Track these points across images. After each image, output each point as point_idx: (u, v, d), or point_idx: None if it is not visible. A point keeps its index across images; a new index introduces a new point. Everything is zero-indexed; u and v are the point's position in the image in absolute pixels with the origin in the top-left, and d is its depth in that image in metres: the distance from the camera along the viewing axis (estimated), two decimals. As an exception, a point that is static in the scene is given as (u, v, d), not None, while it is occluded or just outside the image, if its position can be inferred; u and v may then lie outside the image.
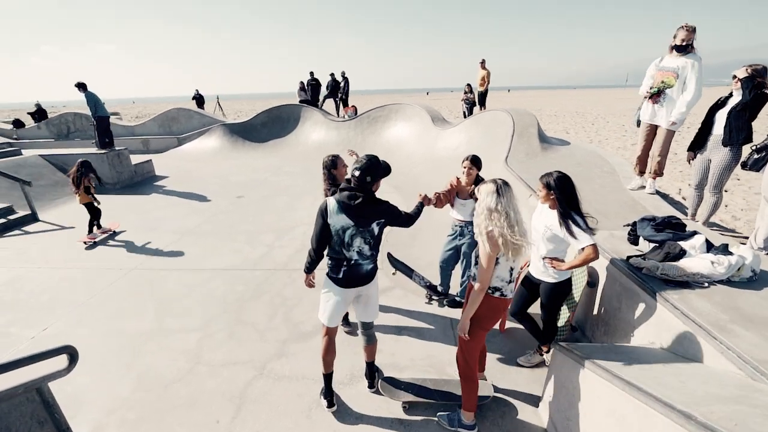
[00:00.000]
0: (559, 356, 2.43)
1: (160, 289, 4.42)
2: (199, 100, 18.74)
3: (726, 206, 6.05)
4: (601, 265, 3.19)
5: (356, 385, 2.95)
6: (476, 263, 2.34)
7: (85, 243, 5.69)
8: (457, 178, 3.61)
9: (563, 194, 2.47)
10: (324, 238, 2.42)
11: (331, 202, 2.35)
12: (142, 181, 9.68)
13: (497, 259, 2.21)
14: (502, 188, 2.21)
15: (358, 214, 2.31)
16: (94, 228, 6.01)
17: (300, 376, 3.05)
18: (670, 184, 7.51)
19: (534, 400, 2.78)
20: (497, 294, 2.31)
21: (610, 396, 1.84)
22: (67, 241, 5.91)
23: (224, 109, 26.38)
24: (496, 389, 2.84)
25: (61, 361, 1.60)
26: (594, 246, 2.40)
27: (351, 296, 2.54)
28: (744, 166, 3.84)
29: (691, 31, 4.11)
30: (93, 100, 8.58)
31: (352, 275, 2.45)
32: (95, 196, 5.98)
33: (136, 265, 5.02)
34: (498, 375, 3.02)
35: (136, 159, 10.11)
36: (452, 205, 3.69)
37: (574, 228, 2.43)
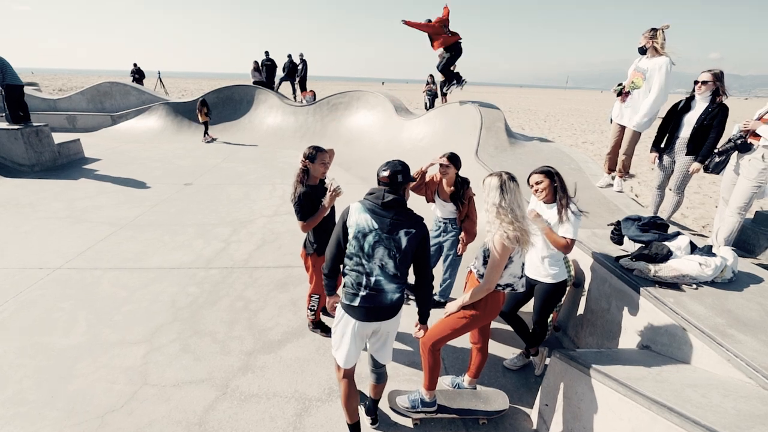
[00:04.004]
0: (558, 365, 2.30)
1: (93, 294, 3.74)
2: (139, 74, 16.68)
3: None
4: (586, 265, 3.14)
5: (336, 400, 2.64)
6: (484, 262, 2.16)
7: (205, 141, 11.36)
8: (440, 180, 3.34)
9: (562, 182, 2.51)
10: (340, 250, 1.99)
11: (355, 204, 1.98)
12: (68, 164, 8.42)
13: (510, 257, 2.12)
14: (506, 183, 2.14)
15: (386, 215, 1.90)
16: (206, 135, 11.47)
17: (271, 393, 2.67)
18: (624, 182, 7.92)
19: (525, 404, 2.67)
20: (508, 289, 2.26)
21: (632, 413, 1.71)
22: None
23: (167, 86, 24.08)
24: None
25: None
26: (573, 242, 2.44)
27: (368, 331, 2.05)
28: (706, 169, 4.00)
29: (649, 35, 4.25)
30: (0, 65, 7.22)
31: (373, 304, 1.96)
32: (209, 116, 11.42)
33: (60, 264, 4.25)
34: (485, 379, 2.87)
35: (60, 138, 8.77)
36: (433, 201, 3.47)
37: (574, 215, 2.43)
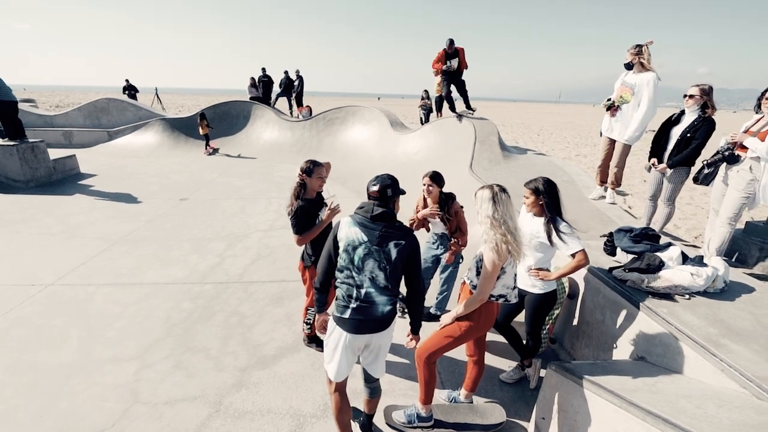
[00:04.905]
0: (554, 377, 2.29)
1: (86, 310, 3.70)
2: (132, 90, 16.79)
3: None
4: (580, 276, 3.16)
5: (332, 417, 2.60)
6: (478, 273, 2.17)
7: (207, 152, 11.65)
8: (424, 198, 3.35)
9: (552, 199, 2.48)
10: (331, 264, 2.03)
11: (345, 218, 2.03)
12: (63, 180, 8.41)
13: (503, 268, 2.14)
14: (498, 195, 2.16)
15: (375, 228, 1.93)
16: (207, 147, 11.69)
17: (265, 410, 2.63)
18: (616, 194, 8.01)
19: (522, 418, 2.64)
20: (501, 300, 2.26)
21: (627, 425, 1.70)
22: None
23: (164, 102, 24.27)
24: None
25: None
26: (584, 251, 2.41)
27: (360, 344, 2.04)
28: (695, 180, 4.07)
29: (635, 51, 4.39)
30: (-4, 83, 7.28)
31: (364, 316, 1.96)
32: (210, 126, 11.61)
33: (53, 281, 4.21)
34: (481, 393, 2.84)
35: (56, 153, 8.79)
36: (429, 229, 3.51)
37: (564, 233, 2.42)
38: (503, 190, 2.19)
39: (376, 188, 2.00)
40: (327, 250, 2.04)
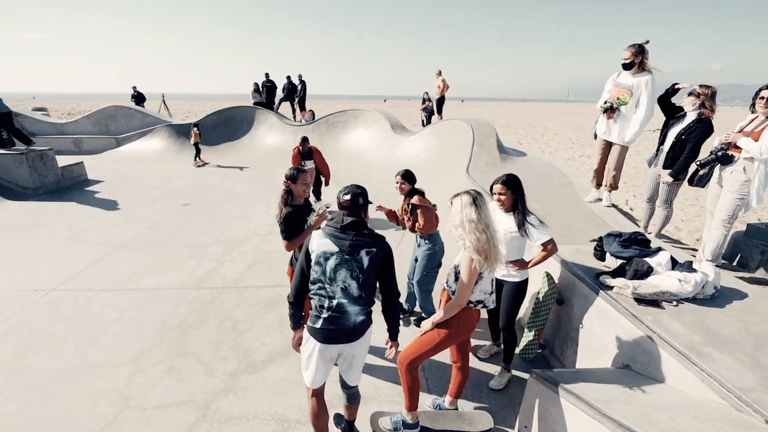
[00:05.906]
0: (535, 385, 2.28)
1: (84, 315, 3.79)
2: (139, 98, 17.06)
3: (668, 217, 6.44)
4: (569, 282, 3.13)
5: (316, 423, 2.62)
6: (456, 278, 2.18)
7: (197, 165, 10.92)
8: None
9: (522, 193, 2.58)
10: (304, 278, 2.03)
11: (316, 232, 2.05)
12: (71, 186, 8.59)
13: (480, 273, 2.15)
14: (478, 199, 2.18)
15: (345, 237, 1.94)
16: (197, 158, 11.06)
17: (251, 415, 2.66)
18: (618, 195, 7.91)
19: (508, 425, 2.62)
20: (480, 306, 2.27)
21: (600, 436, 1.69)
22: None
23: (170, 108, 24.66)
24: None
25: None
26: (553, 240, 2.54)
27: (333, 354, 2.05)
28: (690, 182, 4.00)
29: (636, 51, 4.29)
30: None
31: (336, 326, 1.97)
32: (201, 136, 11.09)
33: (55, 286, 4.31)
34: (468, 399, 2.83)
35: (65, 160, 9.00)
36: (414, 230, 3.52)
37: (533, 225, 2.52)
38: (480, 194, 2.21)
39: (348, 197, 2.03)
40: (300, 264, 2.05)
